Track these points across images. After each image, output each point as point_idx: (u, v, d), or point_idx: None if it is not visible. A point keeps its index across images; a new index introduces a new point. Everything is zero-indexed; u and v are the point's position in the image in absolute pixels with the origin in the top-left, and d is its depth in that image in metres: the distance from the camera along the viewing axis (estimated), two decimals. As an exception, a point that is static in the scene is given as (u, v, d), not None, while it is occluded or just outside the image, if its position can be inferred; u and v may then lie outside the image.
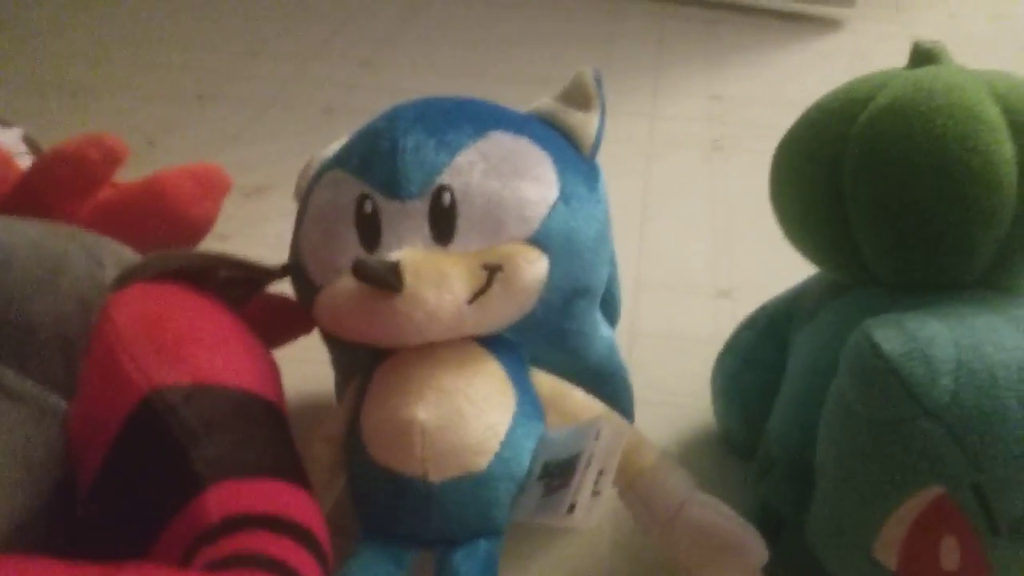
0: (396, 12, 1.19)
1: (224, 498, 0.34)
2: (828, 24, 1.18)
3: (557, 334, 0.45)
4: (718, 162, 0.87)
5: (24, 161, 0.47)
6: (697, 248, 0.75)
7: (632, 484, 0.43)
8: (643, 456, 0.44)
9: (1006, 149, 0.41)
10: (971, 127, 0.41)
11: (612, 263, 0.54)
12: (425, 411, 0.40)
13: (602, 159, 0.73)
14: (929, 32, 1.19)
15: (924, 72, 0.45)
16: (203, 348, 0.38)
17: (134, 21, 1.14)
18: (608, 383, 0.49)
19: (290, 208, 0.49)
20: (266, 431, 0.38)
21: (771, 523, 0.46)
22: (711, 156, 0.88)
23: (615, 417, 0.44)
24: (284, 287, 0.48)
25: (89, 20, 1.13)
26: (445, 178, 0.42)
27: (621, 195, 0.81)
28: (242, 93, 0.96)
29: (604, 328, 0.49)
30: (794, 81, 1.03)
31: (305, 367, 0.53)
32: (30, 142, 0.49)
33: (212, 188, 0.46)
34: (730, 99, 0.99)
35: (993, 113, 0.42)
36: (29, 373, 0.35)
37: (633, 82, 1.03)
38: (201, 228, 0.47)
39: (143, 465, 0.35)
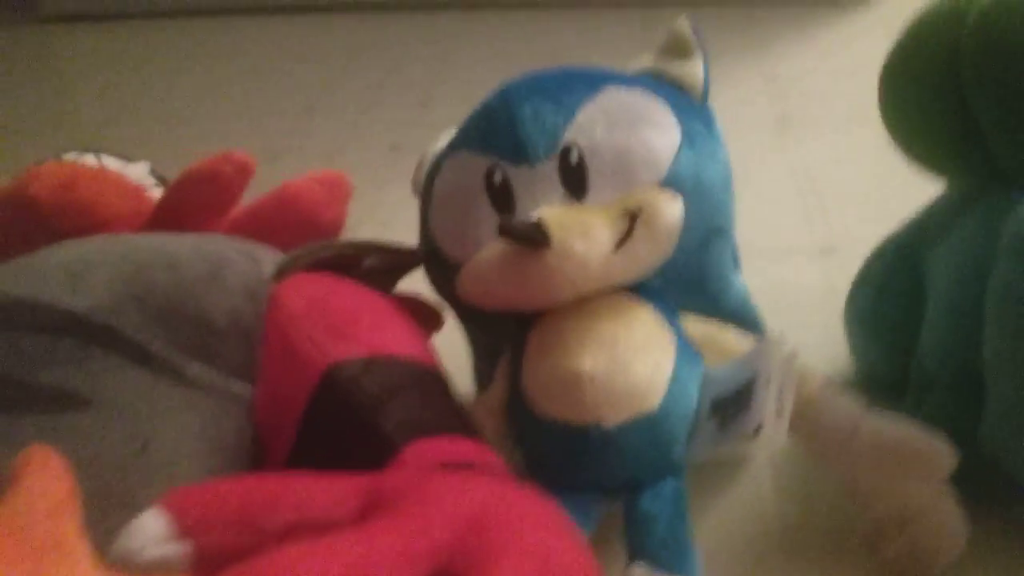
0: (443, 49, 1.22)
1: (419, 454, 0.34)
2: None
3: (697, 278, 0.45)
4: (790, 136, 0.87)
5: (154, 193, 0.48)
6: (789, 211, 0.74)
7: (802, 412, 0.42)
8: (808, 383, 0.43)
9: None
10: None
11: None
12: (591, 359, 0.40)
13: None
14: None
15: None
16: (371, 323, 0.38)
17: (198, 95, 1.18)
18: (747, 329, 0.49)
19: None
20: (442, 396, 0.38)
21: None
22: (780, 131, 0.89)
23: (779, 341, 0.43)
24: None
25: (141, 108, 1.17)
26: (569, 136, 0.43)
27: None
28: (307, 147, 0.99)
29: (738, 273, 0.49)
30: (843, 52, 1.03)
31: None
32: (157, 175, 0.51)
33: (338, 191, 0.47)
34: (785, 77, 1.00)
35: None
36: (212, 364, 0.36)
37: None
38: (333, 231, 0.48)
39: (334, 437, 0.36)
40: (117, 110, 1.18)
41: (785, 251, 0.69)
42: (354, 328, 0.38)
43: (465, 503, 0.27)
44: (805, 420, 0.43)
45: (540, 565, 0.25)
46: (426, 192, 0.48)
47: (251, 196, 0.49)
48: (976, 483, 0.42)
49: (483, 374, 0.50)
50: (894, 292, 0.51)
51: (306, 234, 0.46)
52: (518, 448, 0.43)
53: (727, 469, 0.49)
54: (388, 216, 0.78)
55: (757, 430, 0.37)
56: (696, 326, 0.44)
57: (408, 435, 0.35)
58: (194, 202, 0.44)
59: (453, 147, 0.47)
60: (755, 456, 0.50)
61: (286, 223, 0.46)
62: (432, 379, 0.39)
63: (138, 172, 0.49)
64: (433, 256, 0.46)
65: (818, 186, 0.78)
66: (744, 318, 0.49)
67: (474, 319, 0.48)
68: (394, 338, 0.39)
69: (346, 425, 0.36)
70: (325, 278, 0.40)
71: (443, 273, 0.46)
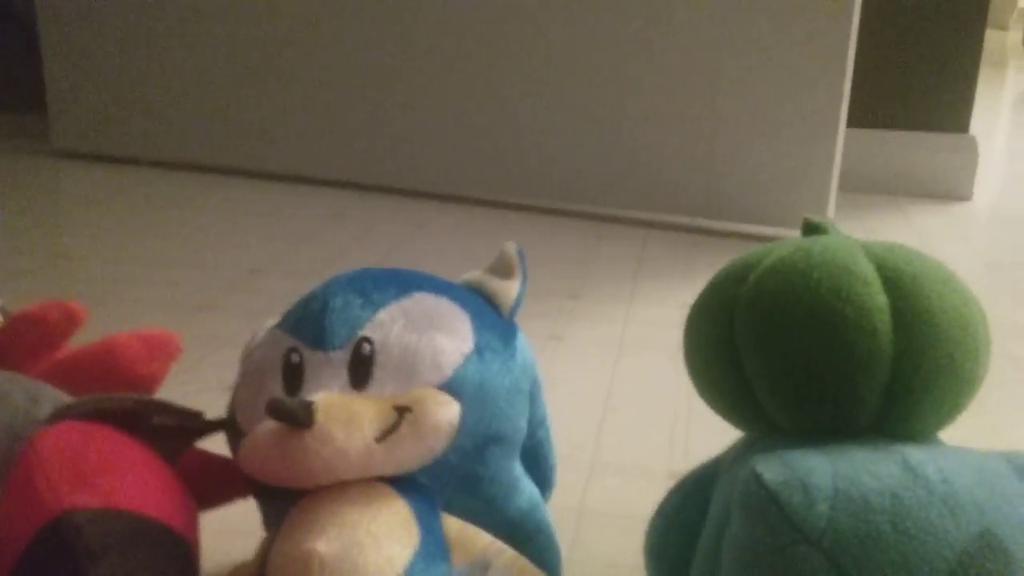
0: (396, 236, 1.29)
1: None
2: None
3: (471, 480, 0.47)
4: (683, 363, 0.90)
5: (-2, 330, 0.52)
6: (654, 437, 0.76)
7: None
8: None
9: (879, 300, 0.44)
10: (844, 280, 0.45)
11: (545, 427, 0.57)
12: (325, 543, 0.41)
13: (572, 358, 0.76)
14: (890, 237, 1.26)
15: (808, 238, 0.49)
16: (118, 475, 0.40)
17: (148, 246, 1.24)
18: (530, 540, 0.50)
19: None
20: (167, 559, 0.40)
21: None
22: (677, 356, 0.92)
23: (508, 552, 0.45)
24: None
25: (104, 247, 1.23)
26: (367, 331, 0.46)
27: (586, 389, 0.85)
28: (240, 305, 1.03)
29: (526, 483, 0.51)
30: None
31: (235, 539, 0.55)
32: (5, 313, 0.54)
33: (161, 350, 0.51)
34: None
35: (867, 269, 0.45)
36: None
37: (611, 292, 1.09)
38: (147, 388, 0.51)
39: (43, 581, 0.37)
40: (81, 243, 1.24)
41: (637, 473, 0.71)
42: (98, 478, 0.39)
43: None
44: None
45: None
46: (243, 363, 0.51)
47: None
48: None
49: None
50: (682, 525, 0.53)
51: (120, 386, 0.49)
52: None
53: None
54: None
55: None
56: (455, 525, 0.46)
57: (113, 591, 0.36)
58: (18, 343, 0.47)
59: (276, 324, 0.51)
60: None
61: (102, 373, 0.49)
62: (165, 539, 0.40)
63: (-14, 306, 0.53)
64: (230, 424, 0.49)
65: (691, 415, 0.80)
66: (528, 528, 0.50)
67: (256, 490, 0.50)
68: (140, 493, 0.40)
69: (58, 572, 0.37)
70: (93, 427, 0.42)
71: (236, 442, 0.48)
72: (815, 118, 1.22)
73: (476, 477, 0.47)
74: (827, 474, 0.40)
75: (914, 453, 0.41)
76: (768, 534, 0.39)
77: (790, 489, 0.39)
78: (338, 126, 1.51)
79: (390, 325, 0.47)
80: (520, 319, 0.53)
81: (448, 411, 0.45)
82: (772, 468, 0.40)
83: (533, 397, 0.53)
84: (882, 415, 0.45)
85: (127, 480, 0.40)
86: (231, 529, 0.55)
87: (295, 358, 0.47)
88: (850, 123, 1.53)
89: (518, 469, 0.50)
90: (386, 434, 0.43)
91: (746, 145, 1.26)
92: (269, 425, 0.43)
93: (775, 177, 1.25)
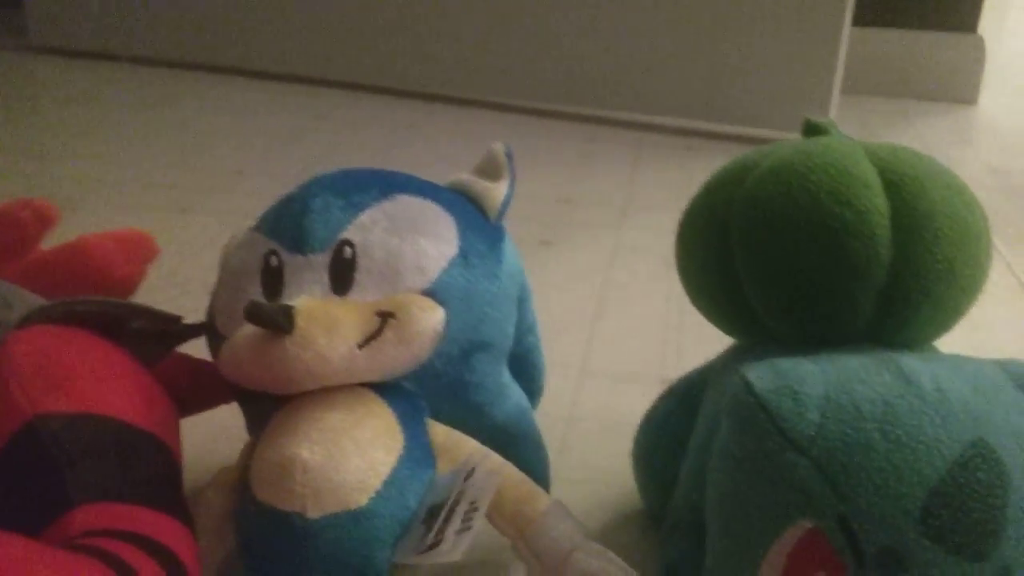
0: (385, 137, 1.26)
1: (90, 516, 0.35)
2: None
3: (458, 386, 0.46)
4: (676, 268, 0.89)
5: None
6: (645, 343, 0.76)
7: (522, 533, 0.43)
8: (534, 505, 0.44)
9: (879, 203, 0.43)
10: (844, 183, 0.43)
11: (534, 333, 0.56)
12: (308, 449, 0.40)
13: (564, 264, 0.74)
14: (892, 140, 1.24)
15: (809, 140, 0.47)
16: (92, 380, 0.39)
17: (129, 146, 1.21)
18: (518, 446, 0.49)
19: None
20: (145, 463, 0.39)
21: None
22: (670, 263, 0.91)
23: (493, 457, 0.44)
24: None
25: (83, 146, 1.20)
26: (348, 234, 0.45)
27: (577, 295, 0.84)
28: (224, 207, 1.01)
29: (514, 390, 0.50)
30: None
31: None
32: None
33: (137, 251, 0.49)
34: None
35: (867, 171, 0.44)
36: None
37: (604, 196, 1.07)
38: (124, 290, 0.49)
39: (20, 484, 0.36)
40: (59, 142, 1.21)
41: (626, 379, 0.71)
42: (72, 383, 0.38)
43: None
44: (524, 542, 0.43)
45: None
46: (222, 267, 0.50)
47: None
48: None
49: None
50: (669, 432, 0.52)
51: (95, 289, 0.48)
52: (235, 528, 0.43)
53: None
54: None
55: (437, 542, 0.37)
56: (441, 431, 0.45)
57: (88, 497, 0.36)
58: (-14, 242, 0.46)
59: (254, 226, 0.49)
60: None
61: (75, 276, 0.47)
62: (144, 445, 0.40)
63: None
64: (209, 328, 0.48)
65: (682, 321, 0.79)
66: (515, 433, 0.50)
67: (239, 395, 0.49)
68: (116, 398, 0.40)
69: (34, 476, 0.36)
70: (67, 332, 0.41)
71: (215, 346, 0.47)
72: (818, 15, 1.18)
73: (462, 383, 0.46)
74: (818, 382, 0.39)
75: (908, 361, 0.40)
76: (756, 442, 0.38)
77: (780, 397, 0.38)
78: (324, 22, 1.46)
79: (372, 228, 0.45)
80: (511, 223, 0.52)
81: (432, 317, 0.43)
82: (762, 375, 0.39)
83: (521, 303, 0.52)
84: (878, 322, 0.44)
85: (103, 385, 0.40)
86: (215, 434, 0.55)
87: (274, 261, 0.45)
88: (853, 21, 1.49)
89: (505, 376, 0.50)
90: (369, 340, 0.42)
91: (746, 43, 1.22)
92: (249, 330, 0.42)
93: (775, 77, 1.22)
